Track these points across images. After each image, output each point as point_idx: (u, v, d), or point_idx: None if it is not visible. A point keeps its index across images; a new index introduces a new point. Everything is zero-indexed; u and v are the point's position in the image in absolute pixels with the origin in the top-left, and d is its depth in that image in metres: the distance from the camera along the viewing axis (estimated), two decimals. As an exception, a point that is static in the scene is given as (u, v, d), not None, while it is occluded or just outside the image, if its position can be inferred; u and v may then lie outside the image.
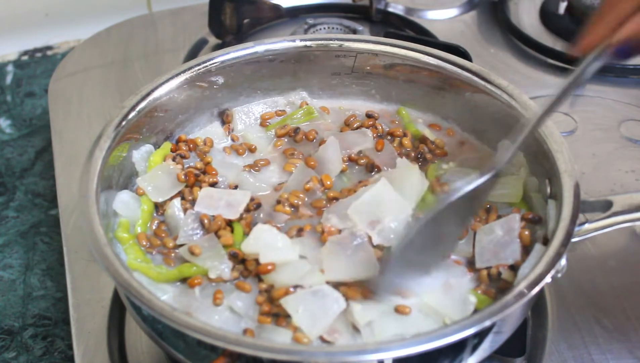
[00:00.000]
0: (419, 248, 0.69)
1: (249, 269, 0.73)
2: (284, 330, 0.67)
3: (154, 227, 0.79)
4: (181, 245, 0.76)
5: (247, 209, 0.78)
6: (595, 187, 0.95)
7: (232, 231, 0.76)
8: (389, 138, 0.88)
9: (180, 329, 0.61)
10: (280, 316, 0.68)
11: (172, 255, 0.76)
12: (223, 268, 0.72)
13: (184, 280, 0.73)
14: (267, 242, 0.72)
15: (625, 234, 0.91)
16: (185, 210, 0.78)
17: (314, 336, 0.66)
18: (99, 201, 0.72)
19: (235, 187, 0.82)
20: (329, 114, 0.92)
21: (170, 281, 0.73)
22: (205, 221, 0.76)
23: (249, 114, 0.91)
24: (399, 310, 0.69)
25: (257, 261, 0.72)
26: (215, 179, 0.81)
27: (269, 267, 0.71)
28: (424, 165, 0.85)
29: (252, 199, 0.79)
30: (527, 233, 0.74)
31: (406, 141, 0.87)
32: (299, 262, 0.72)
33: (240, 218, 0.77)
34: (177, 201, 0.79)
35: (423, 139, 0.87)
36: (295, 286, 0.70)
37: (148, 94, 0.82)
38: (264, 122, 0.90)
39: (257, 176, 0.84)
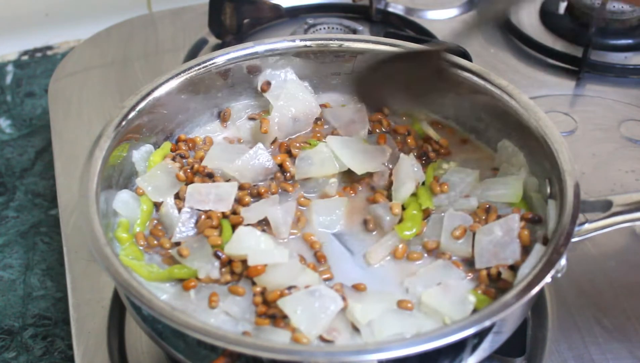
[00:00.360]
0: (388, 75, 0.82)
1: (235, 271, 0.72)
2: (282, 331, 0.67)
3: (152, 226, 0.79)
4: (178, 244, 0.75)
5: (243, 204, 0.78)
6: (595, 187, 0.95)
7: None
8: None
9: (180, 329, 0.61)
10: (277, 318, 0.68)
11: (170, 255, 0.75)
12: (210, 267, 0.72)
13: (180, 282, 0.73)
14: (250, 244, 0.72)
15: (625, 234, 0.91)
16: (179, 209, 0.78)
17: (313, 336, 0.66)
18: (99, 201, 0.72)
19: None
20: (329, 114, 0.92)
21: (160, 280, 0.72)
22: (203, 217, 0.76)
23: (247, 112, 0.91)
24: (401, 306, 0.69)
25: (243, 262, 0.72)
26: (210, 170, 0.81)
27: (259, 268, 0.71)
28: (427, 164, 0.84)
29: (242, 188, 0.79)
30: (526, 233, 0.74)
31: (410, 140, 0.86)
32: (289, 262, 0.72)
33: (233, 212, 0.77)
34: (170, 200, 0.79)
35: (427, 139, 0.87)
36: (290, 287, 0.69)
37: (148, 94, 0.82)
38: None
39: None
